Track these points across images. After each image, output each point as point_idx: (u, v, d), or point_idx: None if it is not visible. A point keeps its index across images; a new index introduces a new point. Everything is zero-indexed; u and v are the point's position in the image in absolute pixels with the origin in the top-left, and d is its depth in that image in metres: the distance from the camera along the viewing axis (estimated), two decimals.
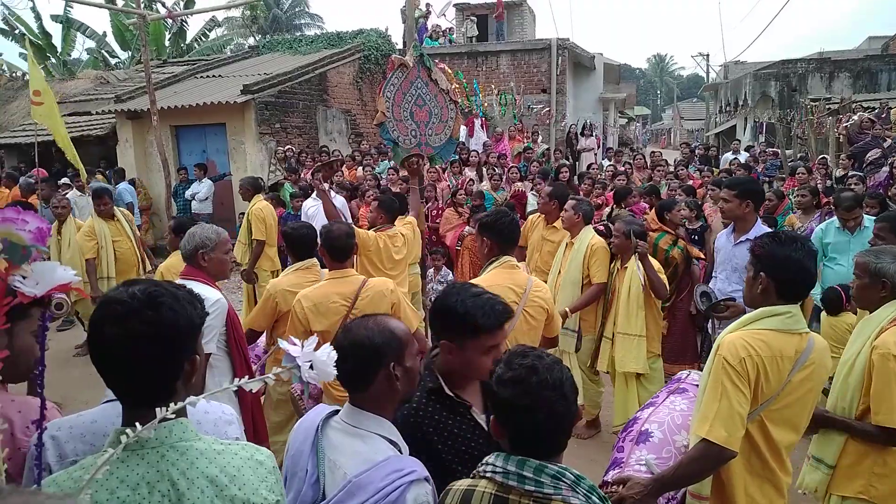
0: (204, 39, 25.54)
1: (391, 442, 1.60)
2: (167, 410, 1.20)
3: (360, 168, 11.28)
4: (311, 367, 1.35)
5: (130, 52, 23.23)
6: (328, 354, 1.37)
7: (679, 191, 7.69)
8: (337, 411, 1.67)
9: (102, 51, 24.48)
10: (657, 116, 66.55)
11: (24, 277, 1.03)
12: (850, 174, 8.64)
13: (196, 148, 13.02)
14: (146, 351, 1.24)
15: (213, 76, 14.88)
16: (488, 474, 1.51)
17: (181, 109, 12.00)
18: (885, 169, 9.08)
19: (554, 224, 5.35)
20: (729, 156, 12.87)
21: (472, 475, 1.58)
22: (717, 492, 2.26)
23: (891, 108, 14.18)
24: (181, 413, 1.31)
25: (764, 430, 2.19)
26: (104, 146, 14.03)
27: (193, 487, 1.27)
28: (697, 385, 2.41)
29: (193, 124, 12.69)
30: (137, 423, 1.19)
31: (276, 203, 9.06)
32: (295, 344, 1.40)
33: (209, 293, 2.96)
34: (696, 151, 13.17)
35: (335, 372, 1.38)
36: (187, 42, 25.04)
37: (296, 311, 3.28)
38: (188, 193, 11.27)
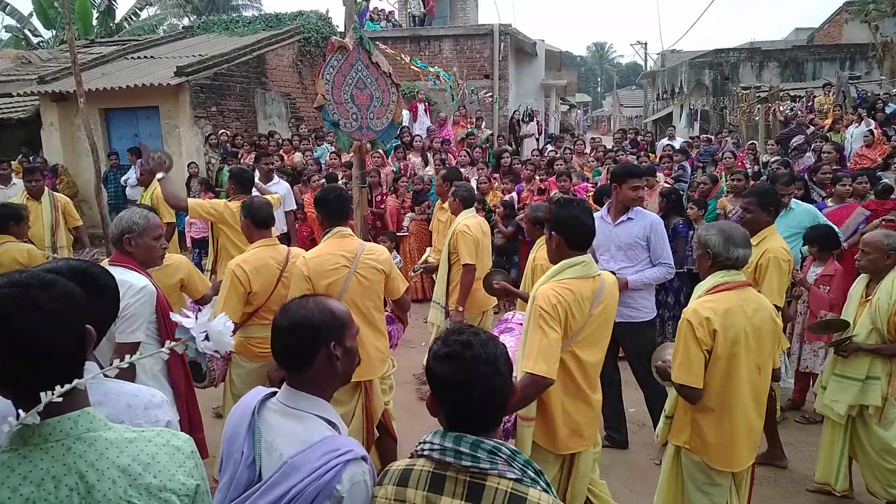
0: (134, 19, 24.51)
1: (329, 423, 1.59)
2: (53, 394, 1.14)
3: (299, 153, 11.07)
4: (207, 337, 1.31)
5: (55, 31, 22.05)
6: (224, 324, 1.34)
7: None
8: (274, 393, 1.65)
9: (25, 29, 23.17)
10: (598, 103, 67.75)
11: None
12: (772, 159, 9.02)
13: (127, 132, 12.49)
14: (63, 336, 1.20)
15: (145, 57, 14.28)
16: (426, 452, 1.50)
17: (110, 92, 11.49)
18: (810, 154, 9.52)
19: (444, 205, 5.78)
20: (664, 141, 13.24)
21: (409, 455, 1.58)
22: (541, 412, 2.73)
23: (815, 97, 14.88)
24: (84, 403, 1.27)
25: (575, 357, 2.70)
26: (26, 129, 13.31)
27: (104, 479, 1.22)
28: (521, 324, 2.83)
29: (124, 107, 12.17)
30: (20, 411, 1.13)
31: (208, 188, 8.84)
32: (188, 316, 1.36)
33: (134, 280, 2.85)
34: (627, 136, 13.48)
35: (232, 342, 1.35)
36: (116, 21, 23.96)
37: (237, 274, 3.56)
38: (122, 179, 10.82)
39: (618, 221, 4.28)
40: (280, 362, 1.62)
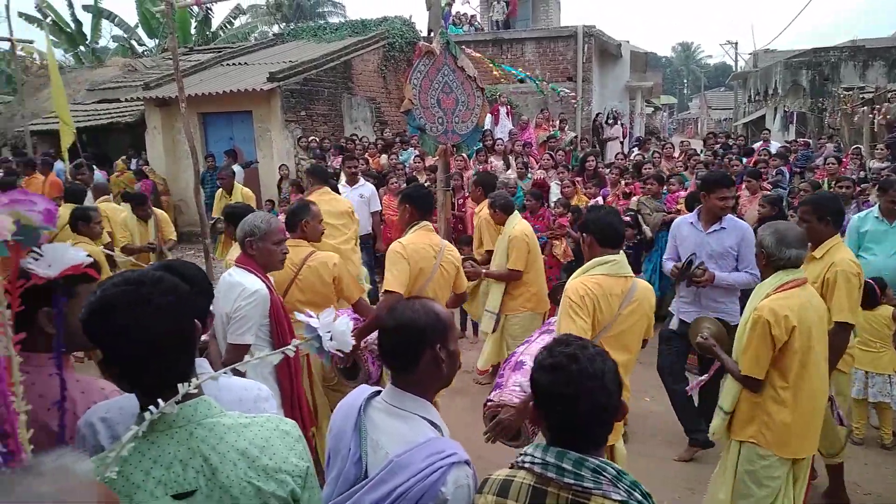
0: (229, 27, 25.69)
1: (433, 424, 1.61)
2: (189, 386, 1.22)
3: (385, 156, 11.29)
4: (331, 337, 1.35)
5: (157, 40, 23.46)
6: (346, 325, 1.38)
7: None
8: (378, 392, 1.68)
9: (131, 39, 24.76)
10: (683, 106, 65.58)
11: (35, 259, 1.01)
12: (881, 165, 8.44)
13: (223, 135, 13.13)
14: (174, 329, 1.27)
15: (239, 64, 14.97)
16: (527, 465, 1.48)
17: (208, 97, 12.09)
18: None
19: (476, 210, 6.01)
20: (758, 145, 12.64)
21: (510, 465, 1.57)
22: None
23: None
24: (200, 392, 1.34)
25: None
26: (133, 133, 14.22)
27: (226, 461, 1.29)
28: None
29: (220, 112, 12.79)
30: (160, 400, 1.20)
31: (298, 190, 9.13)
32: (311, 316, 1.40)
33: (249, 283, 2.91)
34: (718, 140, 12.88)
35: (353, 342, 1.39)
36: (212, 30, 25.21)
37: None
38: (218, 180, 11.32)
39: (710, 230, 4.25)
40: (386, 362, 1.65)
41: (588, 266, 2.94)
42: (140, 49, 24.77)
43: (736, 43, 36.81)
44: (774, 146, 12.17)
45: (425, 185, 8.37)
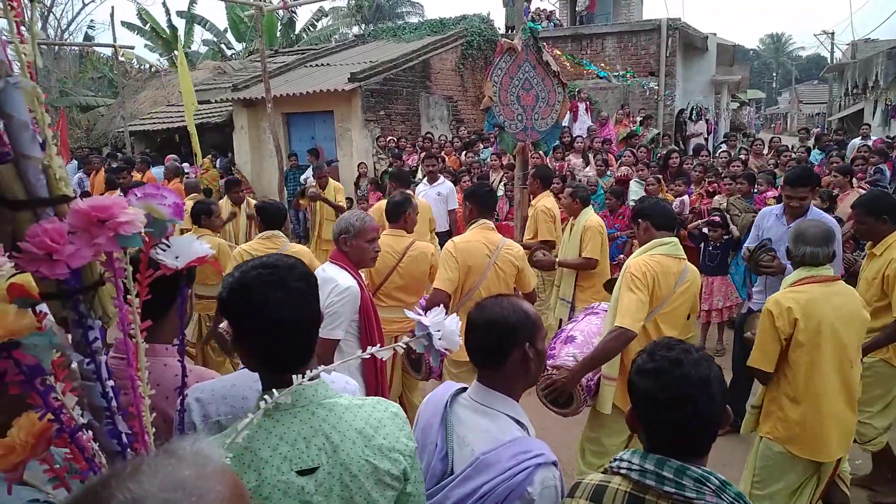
0: (312, 29, 26.45)
1: (519, 423, 1.60)
2: (304, 377, 1.28)
3: (461, 154, 11.33)
4: (440, 336, 1.37)
5: (245, 44, 24.45)
6: (456, 324, 1.39)
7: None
8: (464, 388, 1.69)
9: (220, 43, 25.92)
10: (772, 100, 62.48)
11: (164, 250, 1.09)
12: None
13: (305, 135, 13.54)
14: (307, 307, 1.35)
15: (322, 65, 15.38)
16: (623, 471, 1.44)
17: (292, 97, 12.50)
18: None
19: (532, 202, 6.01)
20: (857, 141, 11.86)
21: (602, 470, 1.53)
22: (622, 375, 3.05)
23: None
24: (316, 375, 1.39)
25: (657, 328, 3.06)
26: (221, 133, 14.89)
27: (346, 439, 1.35)
28: (606, 311, 3.30)
29: (303, 111, 13.20)
30: (274, 391, 1.26)
31: (376, 188, 9.30)
32: (421, 314, 1.43)
33: (342, 279, 2.97)
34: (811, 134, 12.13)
35: (461, 341, 1.40)
36: (296, 32, 26.03)
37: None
38: (302, 178, 11.66)
39: (792, 224, 4.09)
40: (474, 359, 1.65)
41: (648, 246, 3.13)
42: (229, 52, 25.89)
43: (832, 33, 34.69)
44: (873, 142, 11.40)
45: (490, 183, 8.38)
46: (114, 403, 0.98)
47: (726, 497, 1.34)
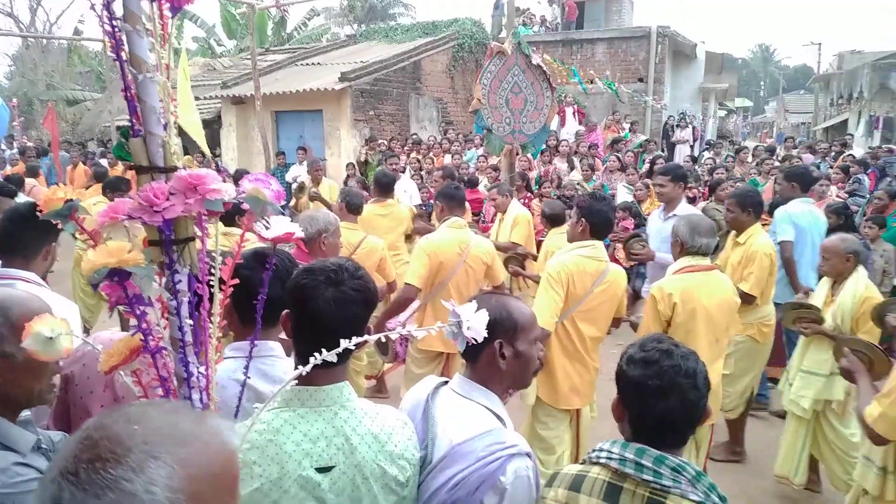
0: (303, 28, 26.40)
1: (497, 416, 1.63)
2: (318, 358, 1.26)
3: (449, 156, 11.36)
4: (468, 327, 1.42)
5: (235, 41, 24.36)
6: (484, 318, 1.45)
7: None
8: (446, 382, 1.72)
9: (210, 39, 25.79)
10: (759, 109, 63.03)
11: (265, 227, 1.26)
12: None
13: (294, 133, 13.53)
14: (354, 311, 1.40)
15: (313, 64, 15.38)
16: (602, 460, 1.48)
17: (282, 95, 12.49)
18: None
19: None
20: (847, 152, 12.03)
21: (581, 461, 1.57)
22: (545, 371, 3.19)
23: None
24: (344, 377, 1.46)
25: (576, 327, 3.21)
26: (209, 130, 14.83)
27: (363, 442, 1.40)
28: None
29: (292, 110, 13.18)
30: (300, 367, 1.29)
31: (364, 188, 9.29)
32: (453, 305, 1.48)
33: None
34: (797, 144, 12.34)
35: (485, 333, 1.44)
36: (288, 31, 25.96)
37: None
38: (288, 176, 11.55)
39: (666, 217, 4.64)
40: (461, 351, 1.69)
41: (569, 247, 3.29)
42: (219, 49, 25.77)
43: (819, 44, 35.13)
44: (858, 152, 11.60)
45: (488, 186, 8.44)
46: (188, 336, 1.16)
47: (700, 486, 1.39)
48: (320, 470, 1.35)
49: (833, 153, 11.42)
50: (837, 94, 25.14)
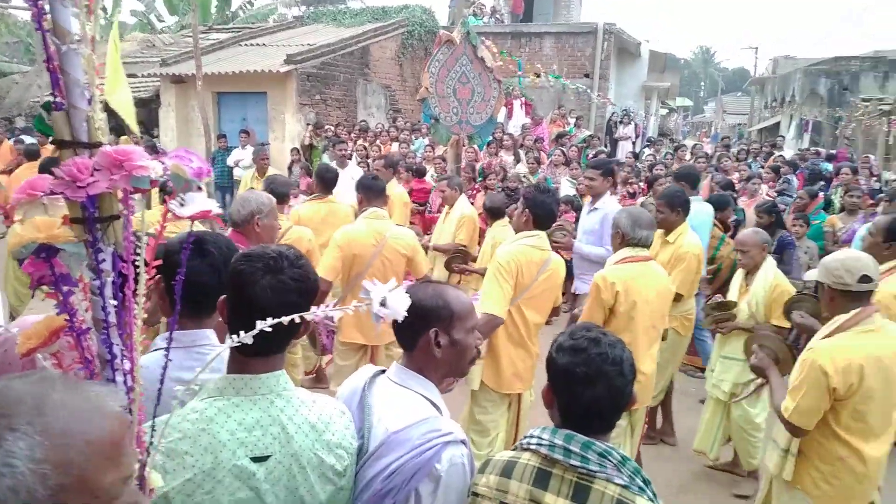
0: (249, 7, 25.60)
1: (433, 404, 1.63)
2: (235, 340, 1.22)
3: (396, 143, 11.29)
4: (382, 303, 1.40)
5: (177, 17, 23.47)
6: (403, 298, 1.43)
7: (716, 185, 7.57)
8: (384, 371, 1.71)
9: (150, 15, 24.76)
10: (699, 109, 65.02)
11: (181, 205, 1.20)
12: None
13: (236, 115, 13.17)
14: (292, 299, 1.37)
15: (257, 44, 14.99)
16: (532, 446, 1.51)
17: (224, 76, 12.13)
18: None
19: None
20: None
21: (513, 447, 1.59)
22: (490, 356, 3.35)
23: None
24: (280, 366, 1.44)
25: (521, 313, 3.32)
26: (146, 109, 14.28)
27: (300, 431, 1.39)
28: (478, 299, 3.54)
29: (235, 91, 12.83)
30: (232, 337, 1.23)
31: (308, 173, 9.13)
32: (375, 284, 1.46)
33: None
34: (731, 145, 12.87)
35: (404, 314, 1.43)
36: (232, 10, 25.17)
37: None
38: (230, 160, 11.22)
39: (588, 210, 4.97)
40: (396, 337, 1.68)
41: (516, 237, 3.40)
42: (159, 25, 24.77)
43: (756, 48, 36.51)
44: (788, 154, 12.13)
45: (435, 176, 8.43)
46: (111, 318, 1.13)
47: (625, 470, 1.44)
48: (255, 459, 1.34)
49: (764, 154, 11.94)
50: (771, 97, 26.18)
